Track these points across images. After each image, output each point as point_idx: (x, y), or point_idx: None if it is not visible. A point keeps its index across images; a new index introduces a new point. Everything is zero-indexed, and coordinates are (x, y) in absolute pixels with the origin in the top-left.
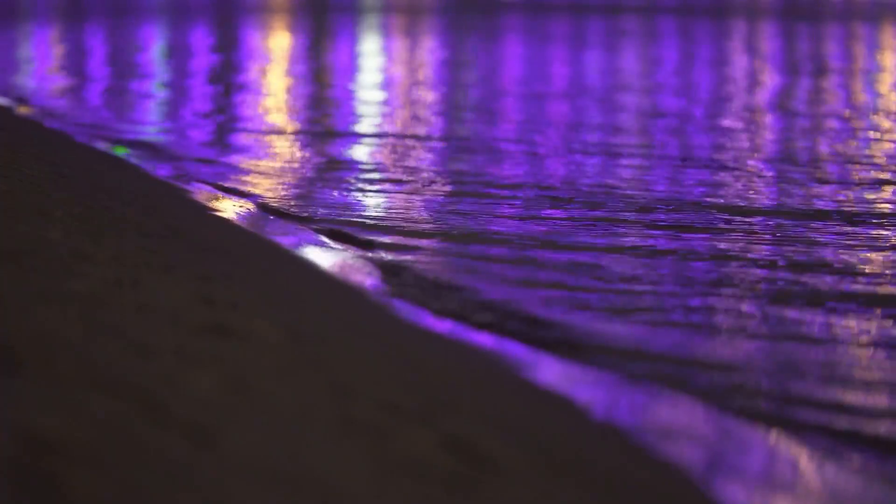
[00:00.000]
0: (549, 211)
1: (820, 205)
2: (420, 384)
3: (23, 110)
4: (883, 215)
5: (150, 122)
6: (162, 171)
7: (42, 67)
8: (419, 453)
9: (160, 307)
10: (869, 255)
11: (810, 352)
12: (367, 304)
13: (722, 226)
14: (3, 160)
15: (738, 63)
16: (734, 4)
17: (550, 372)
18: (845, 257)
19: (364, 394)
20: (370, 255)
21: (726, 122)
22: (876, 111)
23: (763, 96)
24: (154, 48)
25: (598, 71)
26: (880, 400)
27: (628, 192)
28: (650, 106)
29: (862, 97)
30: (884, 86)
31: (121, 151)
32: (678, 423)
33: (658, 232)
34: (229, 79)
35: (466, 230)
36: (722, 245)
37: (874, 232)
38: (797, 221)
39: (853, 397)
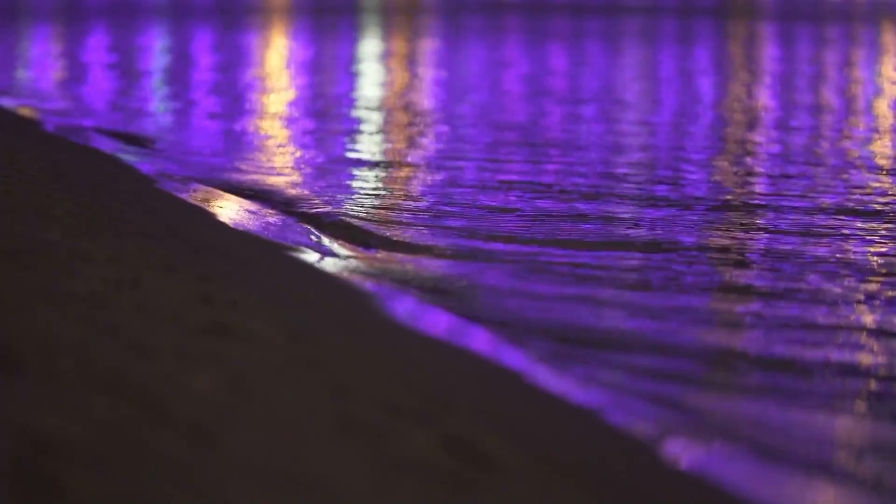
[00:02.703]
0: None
1: None
2: (420, 384)
3: (23, 110)
4: None
5: (150, 122)
6: (160, 170)
7: (42, 68)
8: (419, 453)
9: (160, 307)
10: None
11: None
12: (367, 304)
13: None
14: (3, 160)
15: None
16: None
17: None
18: None
19: (364, 394)
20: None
21: None
22: None
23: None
24: (155, 49)
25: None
26: None
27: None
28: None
29: None
30: None
31: (125, 157)
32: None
33: None
34: (228, 78)
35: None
36: None
37: None
38: None
39: None
